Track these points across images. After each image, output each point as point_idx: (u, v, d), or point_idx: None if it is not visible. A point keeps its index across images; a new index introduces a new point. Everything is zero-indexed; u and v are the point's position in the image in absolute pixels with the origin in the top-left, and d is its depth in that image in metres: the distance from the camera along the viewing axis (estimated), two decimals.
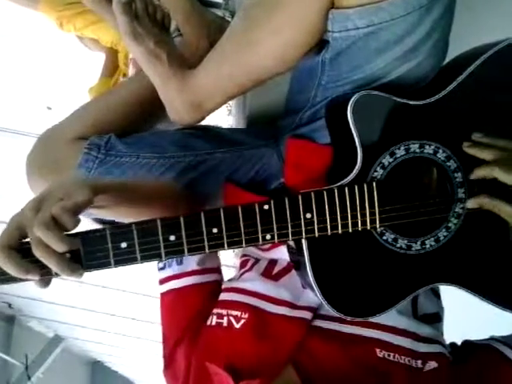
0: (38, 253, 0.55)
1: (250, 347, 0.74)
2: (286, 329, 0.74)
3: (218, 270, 0.92)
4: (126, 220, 0.69)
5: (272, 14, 0.70)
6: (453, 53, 0.77)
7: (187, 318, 0.82)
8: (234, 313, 0.77)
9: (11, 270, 0.56)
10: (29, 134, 1.80)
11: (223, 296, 0.83)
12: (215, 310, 0.80)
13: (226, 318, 0.77)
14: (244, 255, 0.93)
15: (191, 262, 0.87)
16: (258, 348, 0.73)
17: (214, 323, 0.78)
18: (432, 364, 0.71)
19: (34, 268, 0.56)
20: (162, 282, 0.88)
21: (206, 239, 0.63)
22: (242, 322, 0.75)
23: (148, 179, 0.86)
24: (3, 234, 0.56)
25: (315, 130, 0.83)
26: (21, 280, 0.58)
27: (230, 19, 1.13)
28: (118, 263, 0.60)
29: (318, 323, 0.75)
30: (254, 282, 0.81)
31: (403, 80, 0.71)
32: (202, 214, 0.62)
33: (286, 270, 0.83)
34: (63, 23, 1.37)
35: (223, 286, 0.86)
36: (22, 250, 0.56)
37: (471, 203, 0.70)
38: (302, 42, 0.70)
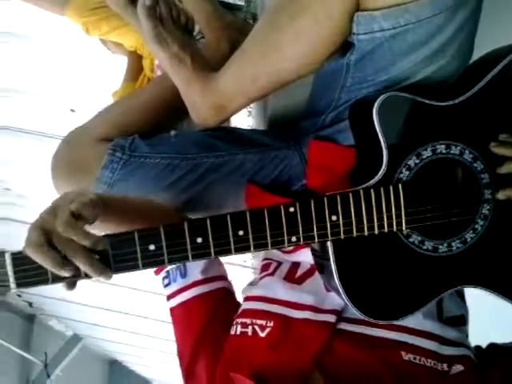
0: (68, 252, 0.56)
1: (275, 355, 0.73)
2: (310, 332, 0.74)
3: (222, 278, 0.92)
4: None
5: (296, 17, 0.70)
6: (477, 53, 0.76)
7: (197, 330, 0.82)
8: (259, 322, 0.76)
9: (50, 264, 0.57)
10: (53, 136, 1.82)
11: (246, 305, 0.83)
12: (239, 320, 0.79)
13: (250, 327, 0.76)
14: (266, 258, 0.93)
15: (195, 272, 0.87)
16: (284, 355, 0.73)
17: (238, 333, 0.77)
18: (458, 367, 0.71)
19: (68, 263, 0.57)
20: (169, 297, 0.88)
21: (232, 241, 0.63)
22: (268, 330, 0.75)
23: (151, 201, 0.87)
24: (32, 238, 0.57)
25: (338, 131, 0.82)
26: (52, 281, 0.59)
27: (251, 21, 1.13)
28: (146, 265, 0.60)
29: (343, 326, 0.75)
30: (277, 289, 0.81)
31: (428, 81, 0.71)
32: (229, 217, 0.63)
33: (309, 273, 0.82)
34: (89, 28, 1.38)
35: (245, 295, 0.86)
36: None
37: (501, 194, 0.70)
38: (326, 44, 0.70)
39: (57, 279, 0.59)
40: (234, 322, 0.80)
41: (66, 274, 0.57)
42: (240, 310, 0.83)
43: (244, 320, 0.79)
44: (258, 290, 0.84)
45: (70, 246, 0.57)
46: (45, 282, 0.59)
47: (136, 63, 1.46)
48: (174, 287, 0.88)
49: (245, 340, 0.76)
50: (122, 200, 0.77)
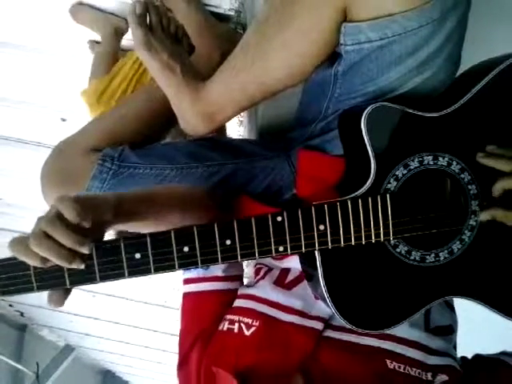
0: (43, 249, 0.55)
1: (259, 355, 0.74)
2: (296, 338, 0.74)
3: (240, 278, 0.92)
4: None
5: (284, 28, 0.70)
6: (465, 64, 0.77)
7: (204, 323, 0.83)
8: (246, 320, 0.77)
9: (54, 255, 0.55)
10: (43, 145, 1.82)
11: (237, 302, 0.83)
12: (228, 316, 0.80)
13: (237, 325, 0.77)
14: (257, 263, 0.93)
15: (217, 267, 0.88)
16: (267, 356, 0.73)
17: (225, 329, 0.78)
18: (442, 377, 0.71)
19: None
20: (186, 282, 0.88)
21: (219, 251, 0.63)
22: (253, 329, 0.75)
23: (166, 186, 0.86)
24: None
25: (327, 141, 0.83)
26: (37, 289, 0.58)
27: (241, 32, 1.14)
28: (132, 274, 0.60)
29: (329, 333, 0.75)
30: (267, 290, 0.82)
31: (416, 92, 0.72)
32: (216, 226, 0.62)
33: (298, 280, 0.82)
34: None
35: (239, 293, 0.86)
36: None
37: (484, 215, 0.70)
38: (314, 55, 0.71)
39: (42, 287, 0.59)
40: (223, 318, 0.80)
41: (74, 265, 0.57)
42: (232, 308, 0.83)
43: (232, 317, 0.79)
44: (250, 290, 0.84)
45: (45, 243, 0.55)
46: (30, 289, 0.59)
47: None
48: (193, 273, 0.88)
49: (230, 337, 0.76)
50: (148, 196, 0.73)
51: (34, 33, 1.49)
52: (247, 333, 0.75)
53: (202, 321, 0.83)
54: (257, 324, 0.76)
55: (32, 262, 0.56)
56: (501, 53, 0.73)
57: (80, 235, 0.56)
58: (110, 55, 1.44)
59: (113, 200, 0.61)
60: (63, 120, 1.73)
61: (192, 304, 0.86)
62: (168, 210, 0.75)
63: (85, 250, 0.57)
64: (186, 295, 0.87)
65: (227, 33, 1.10)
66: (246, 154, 0.95)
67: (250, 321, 0.77)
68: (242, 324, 0.77)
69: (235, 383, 0.69)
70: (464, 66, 0.77)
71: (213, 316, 0.83)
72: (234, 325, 0.77)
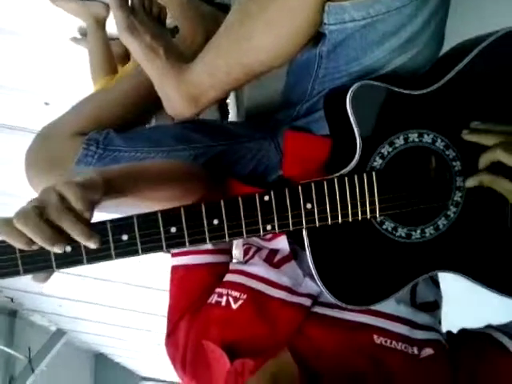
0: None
1: (246, 328, 0.75)
2: (284, 313, 0.75)
3: (229, 252, 0.93)
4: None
5: (267, 7, 0.69)
6: (449, 43, 0.77)
7: (194, 295, 0.83)
8: (234, 293, 0.78)
9: (40, 236, 0.54)
10: (26, 130, 1.80)
11: (227, 277, 0.84)
12: (217, 289, 0.81)
13: (225, 298, 0.78)
14: (246, 244, 0.94)
15: None
16: (255, 329, 0.75)
17: (213, 301, 0.79)
18: (428, 351, 0.72)
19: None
20: (175, 255, 0.88)
21: (206, 231, 0.63)
22: (240, 302, 0.77)
23: (154, 161, 0.85)
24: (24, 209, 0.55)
25: (313, 121, 0.83)
26: (23, 272, 0.58)
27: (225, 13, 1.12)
28: (119, 255, 0.60)
29: (317, 309, 0.76)
30: (256, 266, 0.83)
31: (400, 71, 0.72)
32: (203, 206, 0.63)
33: (287, 259, 0.83)
34: None
35: (230, 268, 0.87)
36: None
37: (471, 181, 0.71)
38: (298, 35, 0.70)
39: (28, 270, 0.58)
40: (214, 291, 0.81)
41: (56, 248, 0.56)
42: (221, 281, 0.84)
43: (221, 290, 0.80)
44: (240, 266, 0.85)
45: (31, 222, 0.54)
46: (16, 273, 0.58)
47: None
48: None
49: (217, 310, 0.78)
50: (135, 171, 0.72)
51: (11, 15, 1.46)
52: (234, 306, 0.76)
53: (191, 293, 0.84)
54: (244, 297, 0.77)
55: (17, 243, 0.55)
56: (484, 31, 0.73)
57: (85, 223, 0.56)
58: (102, 48, 1.42)
59: (100, 180, 0.60)
60: (47, 104, 1.70)
61: (181, 276, 0.87)
62: (157, 183, 0.75)
63: (93, 244, 0.57)
64: (175, 268, 0.88)
65: (211, 13, 1.09)
66: (232, 136, 0.95)
67: (237, 294, 0.78)
68: (229, 297, 0.78)
69: (224, 356, 0.71)
70: (447, 46, 0.77)
71: (202, 289, 0.83)
72: (222, 298, 0.79)
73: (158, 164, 0.84)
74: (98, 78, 1.40)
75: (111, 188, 0.62)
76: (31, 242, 0.55)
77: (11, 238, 0.55)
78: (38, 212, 0.54)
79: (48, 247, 0.55)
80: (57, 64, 1.51)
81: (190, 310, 0.81)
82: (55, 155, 0.89)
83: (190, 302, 0.83)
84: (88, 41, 1.43)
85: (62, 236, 0.55)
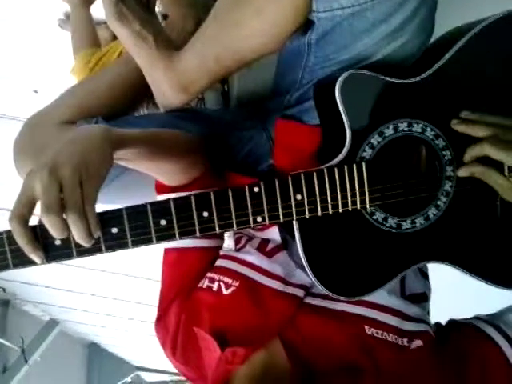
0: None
1: (237, 316, 0.75)
2: (277, 303, 0.75)
3: (222, 236, 0.92)
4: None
5: None
6: (438, 31, 0.77)
7: (186, 279, 0.83)
8: (226, 279, 0.78)
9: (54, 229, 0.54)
10: (15, 118, 1.78)
11: (219, 262, 0.83)
12: (208, 274, 0.81)
13: (216, 283, 0.78)
14: (237, 233, 0.94)
15: None
16: (246, 317, 0.75)
17: (204, 286, 0.79)
18: (418, 342, 0.73)
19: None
20: None
21: (196, 223, 0.63)
22: (232, 289, 0.76)
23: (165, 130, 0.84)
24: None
25: (304, 111, 0.82)
26: (13, 267, 0.58)
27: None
28: (109, 248, 0.60)
29: (309, 300, 0.76)
30: (249, 254, 0.82)
31: (390, 59, 0.71)
32: (193, 198, 0.62)
33: (279, 248, 0.83)
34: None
35: (221, 253, 0.87)
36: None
37: (462, 171, 0.70)
38: (286, 22, 0.69)
39: (18, 264, 0.58)
40: (205, 276, 0.81)
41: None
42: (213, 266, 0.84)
43: (212, 275, 0.80)
44: (232, 253, 0.85)
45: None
46: (5, 267, 0.58)
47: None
48: None
49: (208, 295, 0.77)
50: (140, 136, 0.71)
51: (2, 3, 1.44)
52: (225, 292, 0.76)
53: (183, 277, 0.84)
54: (236, 284, 0.77)
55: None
56: (474, 18, 0.73)
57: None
58: (86, 22, 1.40)
59: (112, 147, 0.60)
60: (35, 92, 1.69)
61: (174, 260, 0.86)
62: (168, 148, 0.75)
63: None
64: (167, 250, 0.87)
65: (201, 0, 1.07)
66: (222, 125, 0.95)
67: (229, 281, 0.78)
68: (221, 283, 0.78)
69: (215, 344, 0.71)
70: (437, 33, 0.76)
71: (194, 273, 0.83)
72: (213, 283, 0.78)
73: (169, 131, 0.83)
74: (81, 49, 1.38)
75: (123, 142, 0.62)
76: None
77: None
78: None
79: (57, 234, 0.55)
80: (46, 51, 1.49)
81: (182, 294, 0.81)
82: (43, 144, 0.88)
83: (181, 286, 0.82)
84: (71, 21, 1.41)
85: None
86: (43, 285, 3.65)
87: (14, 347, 4.25)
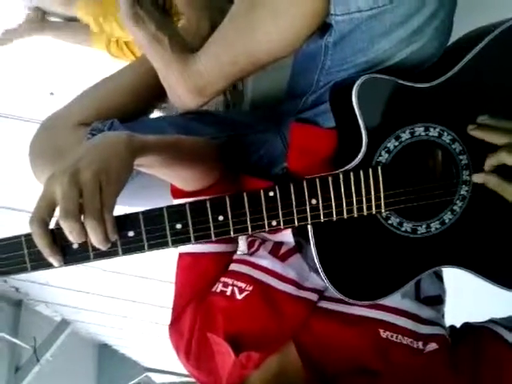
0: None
1: (251, 320, 0.75)
2: (290, 307, 0.75)
3: (236, 241, 0.92)
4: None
5: None
6: (457, 33, 0.76)
7: (200, 283, 0.83)
8: (239, 284, 0.78)
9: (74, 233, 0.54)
10: (31, 120, 1.80)
11: (232, 266, 0.83)
12: (222, 279, 0.81)
13: (230, 288, 0.78)
14: (250, 236, 0.94)
15: None
16: (260, 322, 0.75)
17: (218, 290, 0.79)
18: (432, 345, 0.72)
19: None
20: None
21: (212, 227, 0.63)
22: (245, 293, 0.76)
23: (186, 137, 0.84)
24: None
25: (319, 114, 0.82)
26: (31, 270, 0.58)
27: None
28: (126, 252, 0.60)
29: (323, 304, 0.76)
30: (262, 258, 0.82)
31: (408, 62, 0.71)
32: (208, 202, 0.62)
33: (292, 251, 0.83)
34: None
35: (234, 257, 0.87)
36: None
37: (477, 177, 0.70)
38: (304, 25, 0.69)
39: (35, 267, 0.58)
40: (218, 280, 0.81)
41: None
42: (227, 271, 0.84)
43: (226, 280, 0.80)
44: (246, 257, 0.85)
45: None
46: (23, 270, 0.59)
47: None
48: None
49: (222, 299, 0.77)
50: (162, 143, 0.71)
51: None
52: (239, 297, 0.76)
53: (197, 282, 0.83)
54: (250, 289, 0.77)
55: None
56: (493, 20, 0.72)
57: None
58: None
59: (133, 155, 0.61)
60: (52, 94, 1.70)
61: (188, 264, 0.86)
62: (188, 156, 0.75)
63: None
64: (183, 255, 0.87)
65: (217, 3, 1.08)
66: (237, 127, 0.95)
67: (243, 285, 0.77)
68: (235, 288, 0.77)
69: (229, 349, 0.71)
70: (455, 36, 0.76)
71: (209, 277, 0.83)
72: (227, 288, 0.78)
73: (189, 138, 0.83)
74: None
75: (144, 149, 0.63)
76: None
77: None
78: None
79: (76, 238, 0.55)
80: (62, 54, 1.50)
81: (196, 298, 0.81)
82: (59, 146, 0.89)
83: (195, 290, 0.82)
84: None
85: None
86: (55, 285, 3.67)
87: (27, 347, 4.28)
